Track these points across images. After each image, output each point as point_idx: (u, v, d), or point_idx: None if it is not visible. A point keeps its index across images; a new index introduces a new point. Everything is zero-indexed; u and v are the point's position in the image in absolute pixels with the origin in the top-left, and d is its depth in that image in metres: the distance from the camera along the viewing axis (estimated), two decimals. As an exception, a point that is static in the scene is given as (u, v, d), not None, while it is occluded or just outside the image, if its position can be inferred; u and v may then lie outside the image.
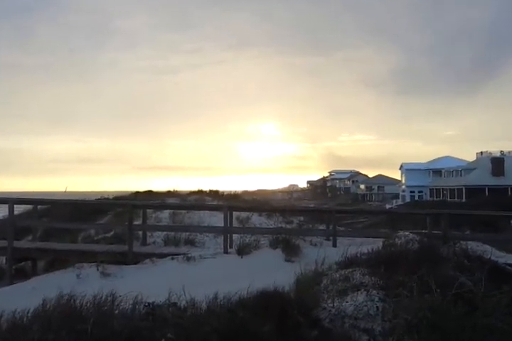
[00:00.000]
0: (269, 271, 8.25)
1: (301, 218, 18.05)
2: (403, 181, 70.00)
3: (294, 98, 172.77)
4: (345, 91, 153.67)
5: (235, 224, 13.93)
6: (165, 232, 13.14)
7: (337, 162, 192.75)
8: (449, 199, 56.26)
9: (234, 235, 11.89)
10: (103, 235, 14.83)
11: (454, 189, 57.72)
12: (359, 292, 5.02)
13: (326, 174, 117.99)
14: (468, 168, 59.53)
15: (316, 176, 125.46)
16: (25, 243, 13.45)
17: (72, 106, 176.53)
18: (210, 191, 25.27)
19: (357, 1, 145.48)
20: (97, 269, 9.77)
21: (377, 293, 4.92)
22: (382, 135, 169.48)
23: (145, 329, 3.95)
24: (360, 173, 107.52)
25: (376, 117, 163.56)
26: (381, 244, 8.20)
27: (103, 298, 4.56)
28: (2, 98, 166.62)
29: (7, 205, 12.09)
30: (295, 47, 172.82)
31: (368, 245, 8.16)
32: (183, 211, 16.52)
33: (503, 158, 57.51)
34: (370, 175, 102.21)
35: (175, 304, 4.58)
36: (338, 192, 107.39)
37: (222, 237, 11.63)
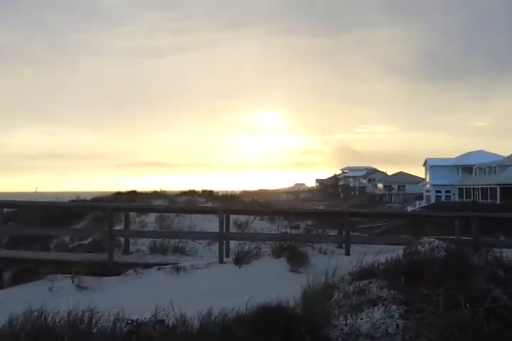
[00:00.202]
0: (271, 284, 8.27)
1: (309, 222, 18.08)
2: (428, 180, 70.12)
3: (301, 84, 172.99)
4: (362, 76, 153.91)
5: (233, 229, 13.95)
6: (151, 239, 13.17)
7: (351, 157, 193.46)
8: (480, 200, 56.36)
9: (231, 242, 11.89)
10: (79, 242, 14.85)
11: (486, 188, 57.76)
12: (376, 307, 5.03)
13: (338, 171, 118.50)
14: (503, 165, 59.56)
15: (326, 174, 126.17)
16: (-12, 251, 13.46)
17: (42, 94, 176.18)
18: (203, 191, 25.38)
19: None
20: (72, 281, 9.77)
21: (397, 309, 4.92)
22: (404, 126, 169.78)
23: (127, 350, 3.95)
24: (378, 170, 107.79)
25: (397, 106, 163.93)
26: (402, 251, 8.22)
27: (79, 314, 4.57)
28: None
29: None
30: (302, 26, 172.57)
31: (387, 253, 8.16)
32: (172, 214, 16.54)
33: (544, 153, 57.68)
34: (390, 173, 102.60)
35: (162, 321, 4.58)
36: (352, 193, 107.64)
37: (217, 244, 11.65)
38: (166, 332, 4.33)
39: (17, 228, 16.74)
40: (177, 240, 12.84)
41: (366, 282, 5.90)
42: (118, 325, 4.44)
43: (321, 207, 60.21)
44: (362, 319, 4.81)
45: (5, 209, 15.94)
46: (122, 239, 12.87)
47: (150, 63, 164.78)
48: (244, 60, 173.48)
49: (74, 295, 8.68)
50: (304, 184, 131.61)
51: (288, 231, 15.79)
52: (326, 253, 11.26)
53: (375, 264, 6.98)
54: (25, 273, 11.66)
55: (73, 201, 21.51)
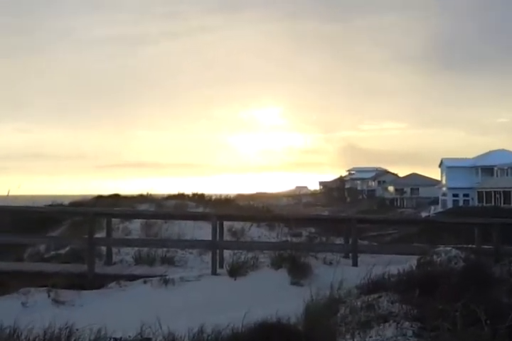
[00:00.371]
0: (270, 298, 8.29)
1: (312, 229, 18.09)
2: (444, 182, 70.21)
3: (303, 76, 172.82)
4: (370, 67, 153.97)
5: (227, 237, 13.95)
6: (136, 248, 13.15)
7: (358, 157, 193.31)
8: (502, 204, 56.44)
9: (225, 252, 11.93)
10: (56, 252, 14.83)
11: (509, 191, 57.90)
12: (387, 324, 5.04)
13: (344, 173, 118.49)
14: (527, 165, 59.77)
15: (330, 176, 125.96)
16: (-46, 262, 13.45)
17: (16, 87, 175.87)
18: (194, 195, 25.36)
19: None
20: (48, 295, 9.78)
21: (411, 326, 4.94)
22: (417, 123, 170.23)
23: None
24: (389, 172, 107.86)
25: (409, 100, 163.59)
26: (415, 262, 8.23)
27: (56, 331, 4.57)
28: None
29: None
30: (304, 11, 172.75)
31: (398, 264, 8.19)
32: (159, 221, 16.54)
33: None
34: (401, 174, 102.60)
35: (149, 339, 4.59)
36: (360, 197, 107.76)
37: (210, 254, 11.65)
38: (153, 351, 4.34)
39: (-14, 236, 16.74)
40: (165, 249, 12.85)
41: (376, 296, 5.91)
42: (100, 343, 4.45)
43: (326, 213, 60.28)
44: (371, 337, 4.82)
45: (-27, 215, 15.97)
46: (104, 248, 12.87)
47: (134, 52, 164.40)
48: (239, 48, 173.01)
49: (50, 311, 8.68)
50: (306, 187, 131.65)
51: (289, 239, 15.83)
52: (331, 263, 11.28)
53: (386, 276, 7.00)
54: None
55: (50, 205, 21.47)
